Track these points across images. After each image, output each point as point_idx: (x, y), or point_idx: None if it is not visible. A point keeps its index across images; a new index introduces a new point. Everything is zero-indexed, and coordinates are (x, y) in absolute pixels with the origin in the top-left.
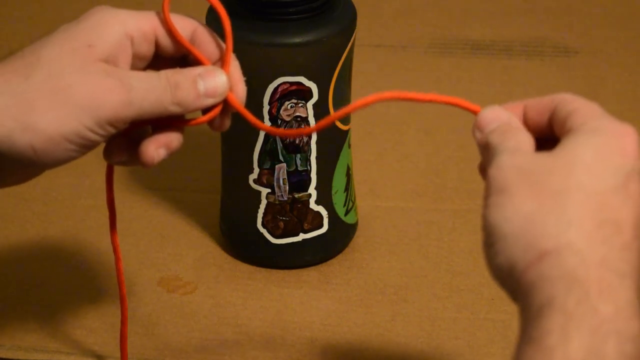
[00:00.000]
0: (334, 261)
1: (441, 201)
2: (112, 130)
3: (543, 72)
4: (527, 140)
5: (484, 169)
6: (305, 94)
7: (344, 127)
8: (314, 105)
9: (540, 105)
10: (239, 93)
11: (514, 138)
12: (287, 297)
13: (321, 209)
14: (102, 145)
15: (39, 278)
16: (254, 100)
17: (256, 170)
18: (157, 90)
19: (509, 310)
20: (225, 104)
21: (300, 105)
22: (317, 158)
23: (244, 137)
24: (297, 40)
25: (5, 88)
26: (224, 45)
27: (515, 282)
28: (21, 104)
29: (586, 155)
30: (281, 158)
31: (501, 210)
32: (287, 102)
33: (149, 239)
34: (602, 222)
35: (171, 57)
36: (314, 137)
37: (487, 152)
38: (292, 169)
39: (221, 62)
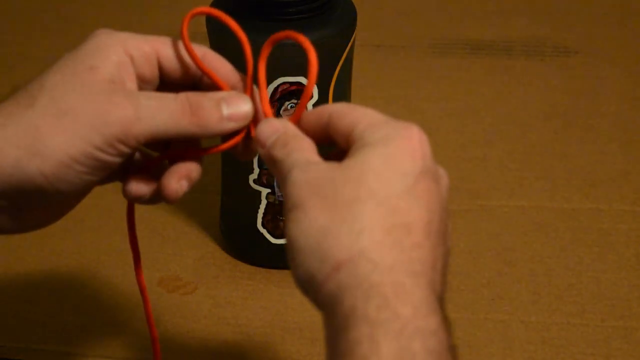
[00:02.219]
0: None
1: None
2: (124, 149)
3: (543, 72)
4: (309, 147)
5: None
6: None
7: None
8: (314, 106)
9: (314, 116)
10: (261, 119)
11: (299, 149)
12: (287, 297)
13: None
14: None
15: (38, 278)
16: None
17: (256, 170)
18: (170, 109)
19: (509, 310)
20: (248, 131)
21: None
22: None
23: None
24: None
25: (9, 120)
26: (234, 70)
27: (316, 294)
28: (26, 131)
29: (376, 164)
30: None
31: (297, 225)
32: (287, 102)
33: (149, 239)
34: (392, 226)
35: (179, 83)
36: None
37: (275, 168)
38: None
39: (243, 88)
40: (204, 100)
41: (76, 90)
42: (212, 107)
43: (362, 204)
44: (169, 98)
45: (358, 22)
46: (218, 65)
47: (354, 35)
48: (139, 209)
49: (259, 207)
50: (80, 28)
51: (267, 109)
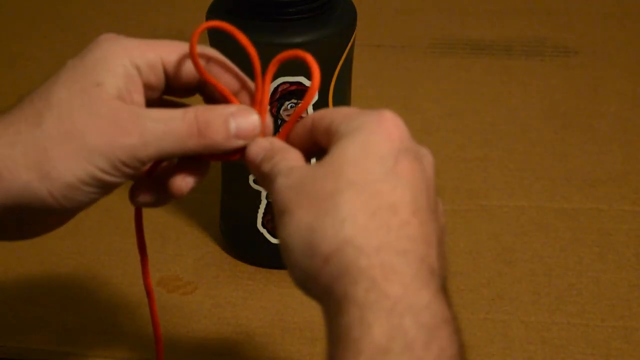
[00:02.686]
0: None
1: (441, 201)
2: (130, 172)
3: (543, 72)
4: (295, 156)
5: None
6: (306, 94)
7: None
8: (314, 106)
9: (300, 127)
10: (268, 132)
11: (283, 158)
12: (287, 297)
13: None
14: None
15: (38, 278)
16: None
17: None
18: (177, 131)
19: (509, 310)
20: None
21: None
22: (317, 158)
23: None
24: (297, 40)
25: (17, 138)
26: (242, 75)
27: (313, 290)
28: (35, 153)
29: (352, 153)
30: None
31: (286, 227)
32: (287, 102)
33: (149, 239)
34: (377, 209)
35: (185, 87)
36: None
37: (264, 182)
38: None
39: (249, 96)
40: (212, 117)
41: (83, 108)
42: (220, 124)
43: (343, 194)
44: (176, 119)
45: (358, 22)
46: (223, 72)
47: (354, 35)
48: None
49: (259, 207)
50: (80, 28)
51: (267, 128)
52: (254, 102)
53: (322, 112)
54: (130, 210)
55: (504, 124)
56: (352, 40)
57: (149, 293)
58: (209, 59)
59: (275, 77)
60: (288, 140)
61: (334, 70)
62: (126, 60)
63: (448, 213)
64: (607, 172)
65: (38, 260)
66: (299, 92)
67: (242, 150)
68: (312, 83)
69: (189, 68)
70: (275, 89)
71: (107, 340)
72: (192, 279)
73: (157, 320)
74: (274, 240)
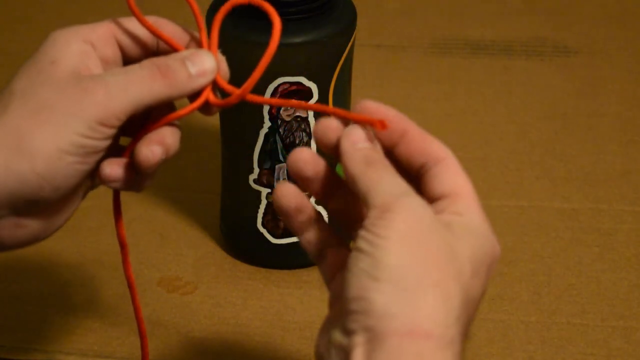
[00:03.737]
0: None
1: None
2: (107, 131)
3: (543, 72)
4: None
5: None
6: (305, 94)
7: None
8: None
9: (418, 141)
10: (224, 71)
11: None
12: (287, 297)
13: (321, 209)
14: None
15: (38, 278)
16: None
17: (256, 170)
18: (140, 77)
19: (509, 310)
20: (213, 85)
21: None
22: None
23: (244, 137)
24: (297, 40)
25: None
26: (188, 30)
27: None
28: (8, 134)
29: (466, 253)
30: (281, 158)
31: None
32: None
33: (149, 239)
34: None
35: (139, 57)
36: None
37: (363, 179)
38: None
39: (197, 45)
40: (169, 61)
41: (44, 85)
42: (178, 66)
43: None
44: (134, 68)
45: (358, 22)
46: (170, 29)
47: (354, 35)
48: (139, 209)
49: (259, 207)
50: None
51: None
52: (201, 45)
53: (452, 161)
54: (131, 211)
55: (504, 124)
56: (352, 40)
57: (130, 285)
58: (155, 21)
59: (275, 77)
60: (395, 147)
61: (334, 70)
62: (77, 39)
63: None
64: (607, 172)
65: (38, 260)
66: (299, 92)
67: (205, 93)
68: (273, 35)
69: (140, 36)
70: (275, 89)
71: (107, 339)
72: (192, 279)
73: (140, 313)
74: (274, 240)
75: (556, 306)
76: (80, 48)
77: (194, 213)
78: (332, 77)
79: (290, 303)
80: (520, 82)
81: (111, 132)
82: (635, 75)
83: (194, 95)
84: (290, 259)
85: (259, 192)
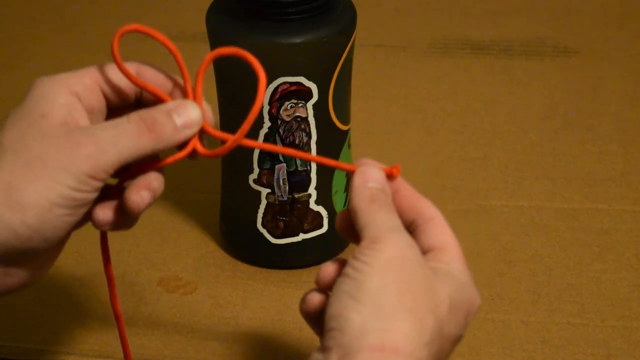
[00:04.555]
0: None
1: (441, 201)
2: (97, 184)
3: (543, 72)
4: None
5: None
6: (305, 94)
7: (343, 127)
8: (314, 106)
9: (409, 199)
10: (209, 119)
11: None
12: (287, 297)
13: (321, 209)
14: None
15: None
16: (253, 101)
17: (256, 170)
18: (128, 132)
19: (509, 310)
20: (200, 133)
21: (300, 105)
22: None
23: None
24: (297, 40)
25: None
26: (172, 75)
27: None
28: (0, 187)
29: (445, 292)
30: (281, 158)
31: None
32: (287, 102)
33: (149, 239)
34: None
35: (124, 105)
36: (314, 137)
37: (367, 211)
38: (292, 169)
39: (181, 92)
40: (155, 114)
41: (35, 138)
42: (165, 119)
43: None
44: (122, 122)
45: (358, 22)
46: (152, 76)
47: (354, 35)
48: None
49: (259, 207)
50: (80, 28)
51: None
52: (186, 95)
53: (439, 220)
54: None
55: (504, 124)
56: (352, 40)
57: (117, 318)
58: (137, 68)
59: (275, 77)
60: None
61: (334, 70)
62: (65, 91)
63: (448, 213)
64: (607, 172)
65: None
66: (299, 92)
67: (192, 143)
68: (259, 86)
69: (123, 84)
70: (275, 89)
71: (107, 339)
72: (192, 279)
73: (127, 348)
74: (274, 240)
75: (556, 306)
76: (68, 100)
77: (194, 213)
78: (332, 77)
79: (290, 303)
80: (520, 82)
81: (100, 184)
82: (635, 75)
83: (181, 145)
84: (290, 259)
85: (259, 192)
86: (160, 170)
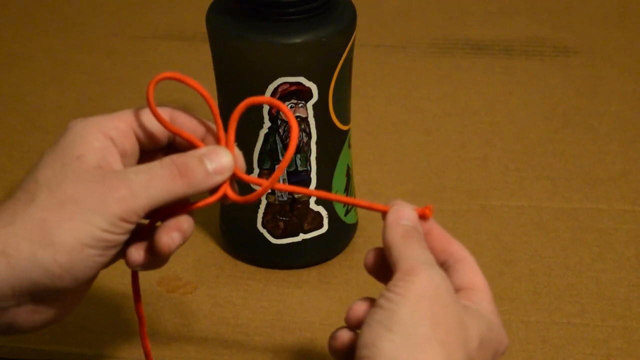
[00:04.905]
0: (334, 261)
1: (441, 201)
2: (128, 227)
3: (543, 72)
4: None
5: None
6: (305, 94)
7: (343, 127)
8: (314, 106)
9: (441, 240)
10: (241, 166)
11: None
12: (287, 297)
13: (321, 209)
14: None
15: None
16: None
17: (256, 170)
18: (160, 177)
19: (509, 310)
20: (231, 179)
21: (300, 105)
22: (317, 158)
23: (244, 137)
24: (297, 40)
25: (14, 217)
26: (204, 120)
27: None
28: (34, 225)
29: (475, 329)
30: (281, 158)
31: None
32: (287, 103)
33: None
34: None
35: (156, 148)
36: (314, 137)
37: (403, 248)
38: (292, 169)
39: (213, 138)
40: (188, 159)
41: (70, 179)
42: (197, 165)
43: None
44: (155, 167)
45: (358, 22)
46: (185, 121)
47: (353, 35)
48: None
49: (259, 207)
50: (80, 28)
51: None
52: (218, 141)
53: (470, 261)
54: None
55: (504, 124)
56: (352, 40)
57: (147, 355)
58: (171, 114)
59: (275, 77)
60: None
61: (334, 70)
62: (99, 134)
63: (448, 213)
64: (607, 172)
65: None
66: (299, 92)
67: (223, 188)
68: (290, 142)
69: (156, 127)
70: (275, 89)
71: (107, 339)
72: (192, 279)
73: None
74: (274, 240)
75: (556, 306)
76: (102, 143)
77: (194, 213)
78: (332, 77)
79: (290, 303)
80: (520, 82)
81: (131, 227)
82: (635, 75)
83: (212, 190)
84: (290, 259)
85: None
86: (190, 212)
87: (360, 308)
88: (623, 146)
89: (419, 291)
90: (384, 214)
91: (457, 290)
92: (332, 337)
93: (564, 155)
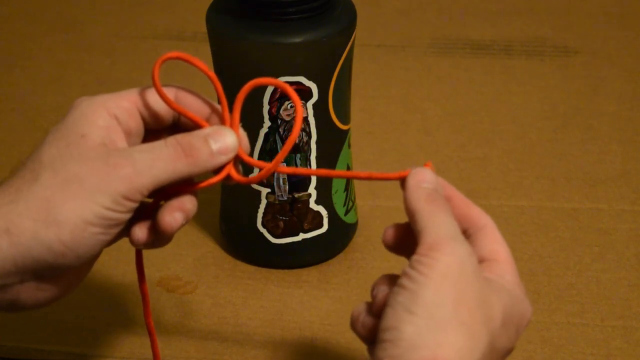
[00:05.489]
0: (334, 261)
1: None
2: (131, 205)
3: (543, 72)
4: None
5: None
6: (305, 94)
7: (343, 127)
8: (314, 105)
9: (461, 207)
10: (245, 146)
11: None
12: (287, 297)
13: (321, 209)
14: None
15: None
16: (254, 101)
17: (256, 169)
18: (164, 156)
19: None
20: (235, 159)
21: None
22: (317, 158)
23: None
24: (297, 40)
25: (18, 195)
26: (209, 101)
27: None
28: (37, 204)
29: (499, 305)
30: None
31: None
32: (287, 102)
33: None
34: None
35: (161, 128)
36: (314, 137)
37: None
38: None
39: (218, 118)
40: (193, 139)
41: (74, 158)
42: (201, 144)
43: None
44: (159, 146)
45: (358, 22)
46: (191, 101)
47: (353, 35)
48: None
49: (259, 207)
50: (80, 28)
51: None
52: (223, 121)
53: (493, 231)
54: None
55: (504, 124)
56: (352, 40)
57: (151, 333)
58: (176, 94)
59: (274, 77)
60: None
61: (334, 70)
62: (104, 113)
63: None
64: (607, 172)
65: None
66: (299, 92)
67: (227, 168)
68: (296, 116)
69: (161, 108)
70: (275, 88)
71: (107, 339)
72: (192, 279)
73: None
74: (274, 240)
75: (556, 306)
76: (107, 122)
77: (197, 193)
78: (332, 77)
79: (289, 303)
80: (520, 82)
81: (134, 205)
82: (635, 75)
83: (216, 169)
84: (290, 259)
85: (259, 192)
86: (194, 193)
87: (382, 287)
88: (623, 146)
89: (442, 270)
90: (402, 180)
91: (480, 261)
92: (356, 319)
93: (564, 155)
